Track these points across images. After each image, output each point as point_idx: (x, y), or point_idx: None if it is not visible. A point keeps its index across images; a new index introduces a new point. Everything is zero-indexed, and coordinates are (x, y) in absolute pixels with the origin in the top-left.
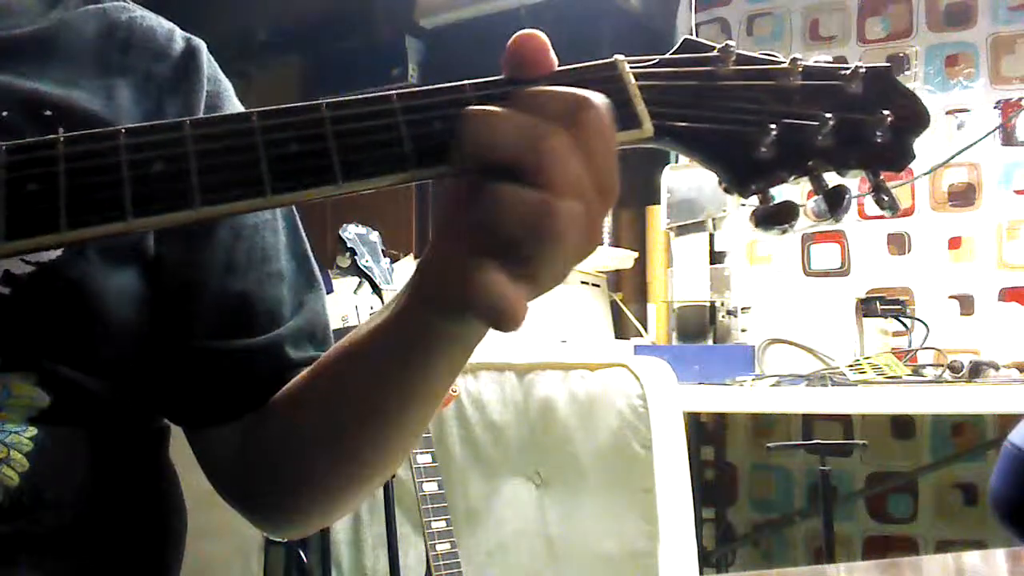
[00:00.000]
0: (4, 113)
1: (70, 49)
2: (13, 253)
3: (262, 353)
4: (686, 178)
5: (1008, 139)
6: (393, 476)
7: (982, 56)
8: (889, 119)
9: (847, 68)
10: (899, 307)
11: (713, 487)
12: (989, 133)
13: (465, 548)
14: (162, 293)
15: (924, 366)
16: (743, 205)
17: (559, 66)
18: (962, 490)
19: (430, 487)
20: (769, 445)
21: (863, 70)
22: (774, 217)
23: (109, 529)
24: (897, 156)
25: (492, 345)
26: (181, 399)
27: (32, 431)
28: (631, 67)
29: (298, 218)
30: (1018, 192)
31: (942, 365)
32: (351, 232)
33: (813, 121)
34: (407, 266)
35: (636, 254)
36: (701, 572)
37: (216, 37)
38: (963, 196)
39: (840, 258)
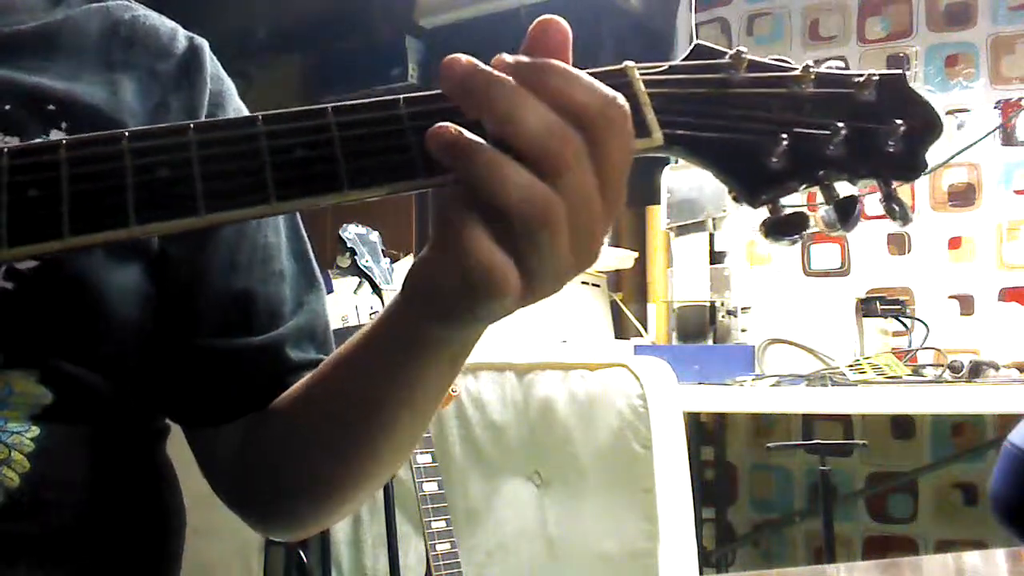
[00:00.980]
0: (7, 107)
1: (73, 46)
2: (14, 259)
3: (263, 352)
4: (686, 178)
5: (1008, 139)
6: (393, 476)
7: (982, 56)
8: (902, 128)
9: (860, 75)
10: (899, 307)
11: (713, 487)
12: (989, 133)
13: (465, 548)
14: (165, 290)
15: (924, 366)
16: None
17: None
18: (962, 490)
19: (430, 487)
20: (769, 445)
21: (876, 77)
22: (784, 227)
23: (109, 530)
24: (909, 166)
25: (492, 345)
26: (182, 397)
27: (34, 431)
28: (641, 73)
29: (299, 218)
30: (1018, 192)
31: (942, 365)
32: (351, 232)
33: (825, 130)
34: (407, 266)
35: (636, 254)
36: (701, 572)
37: (216, 37)
38: (963, 196)
39: (840, 258)
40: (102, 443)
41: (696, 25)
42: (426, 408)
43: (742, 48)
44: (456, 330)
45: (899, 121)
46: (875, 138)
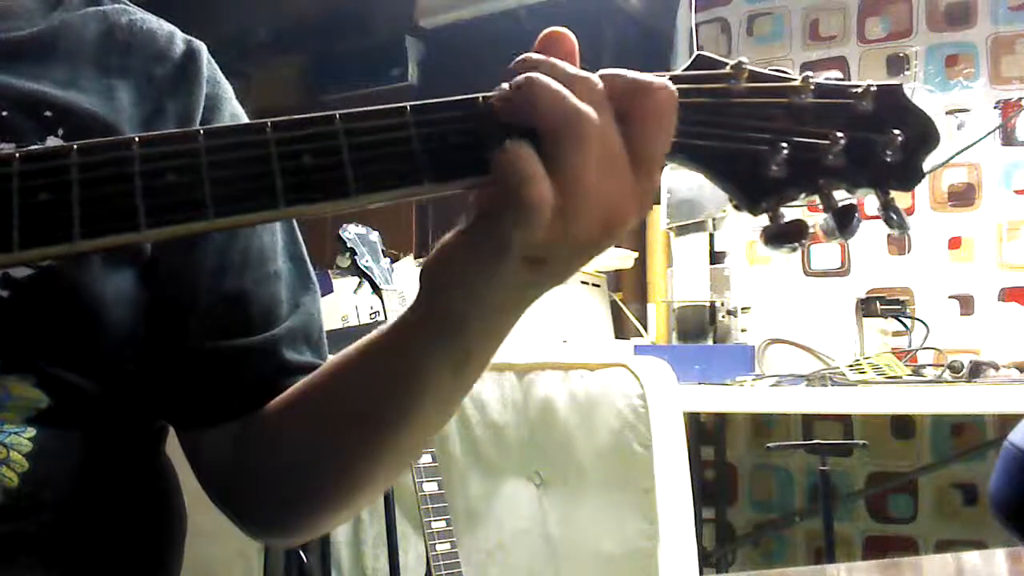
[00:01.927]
0: (4, 113)
1: (70, 51)
2: (26, 262)
3: (258, 353)
4: (686, 178)
5: (1008, 139)
6: None
7: (982, 56)
8: (900, 138)
9: (858, 86)
10: (899, 307)
11: (713, 487)
12: (989, 133)
13: (465, 548)
14: (158, 294)
15: (924, 366)
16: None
17: None
18: (962, 490)
19: (430, 487)
20: (769, 445)
21: (874, 88)
22: (784, 235)
23: (108, 530)
24: (907, 175)
25: None
26: (176, 399)
27: (31, 432)
28: None
29: (295, 220)
30: (1018, 192)
31: (942, 365)
32: (351, 232)
33: (824, 140)
34: (407, 266)
35: (636, 254)
36: (701, 572)
37: (216, 37)
38: (963, 196)
39: (840, 258)
40: (99, 445)
41: (696, 25)
42: (427, 420)
43: (743, 59)
44: (474, 304)
45: (897, 131)
46: (873, 147)
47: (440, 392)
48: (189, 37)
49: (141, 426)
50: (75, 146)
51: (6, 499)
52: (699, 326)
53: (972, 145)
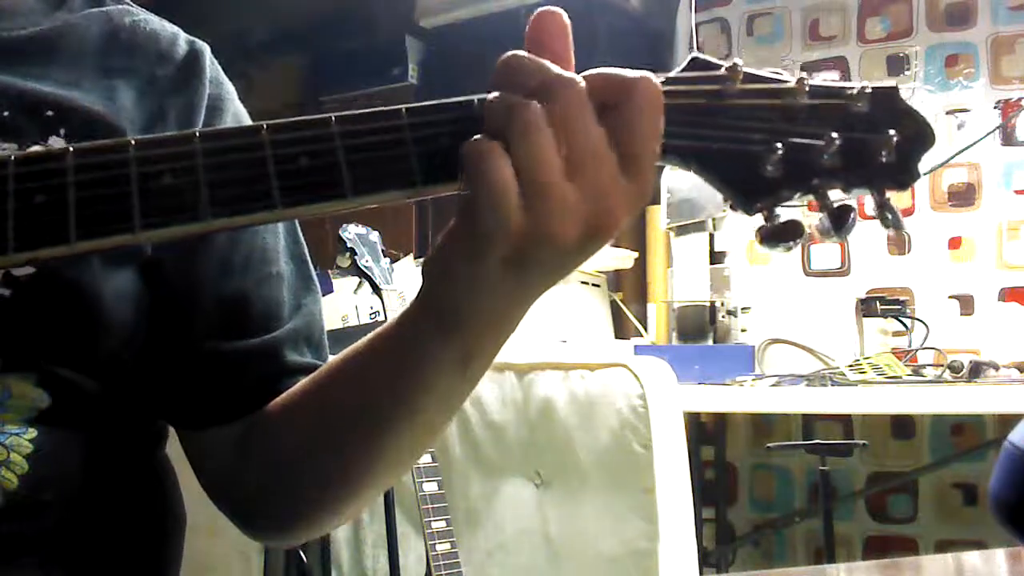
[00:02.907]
0: (5, 113)
1: (73, 51)
2: (19, 264)
3: (259, 354)
4: (686, 178)
5: (1008, 139)
6: None
7: (982, 56)
8: (895, 139)
9: (853, 87)
10: (899, 307)
11: (713, 487)
12: (989, 133)
13: (465, 548)
14: (160, 294)
15: (924, 366)
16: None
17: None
18: (962, 490)
19: (430, 487)
20: (769, 445)
21: (869, 89)
22: (779, 235)
23: (108, 530)
24: (902, 175)
25: None
26: (178, 400)
27: (32, 432)
28: None
29: (297, 221)
30: (1018, 192)
31: (942, 365)
32: (351, 232)
33: (819, 140)
34: (407, 266)
35: (636, 254)
36: (701, 572)
37: (216, 37)
38: (963, 196)
39: (840, 258)
40: (99, 445)
41: (696, 25)
42: (428, 421)
43: (738, 60)
44: (468, 305)
45: (892, 131)
46: (868, 148)
47: (441, 392)
48: (192, 38)
49: (141, 426)
50: (71, 148)
51: (6, 501)
52: (699, 326)
53: (972, 145)
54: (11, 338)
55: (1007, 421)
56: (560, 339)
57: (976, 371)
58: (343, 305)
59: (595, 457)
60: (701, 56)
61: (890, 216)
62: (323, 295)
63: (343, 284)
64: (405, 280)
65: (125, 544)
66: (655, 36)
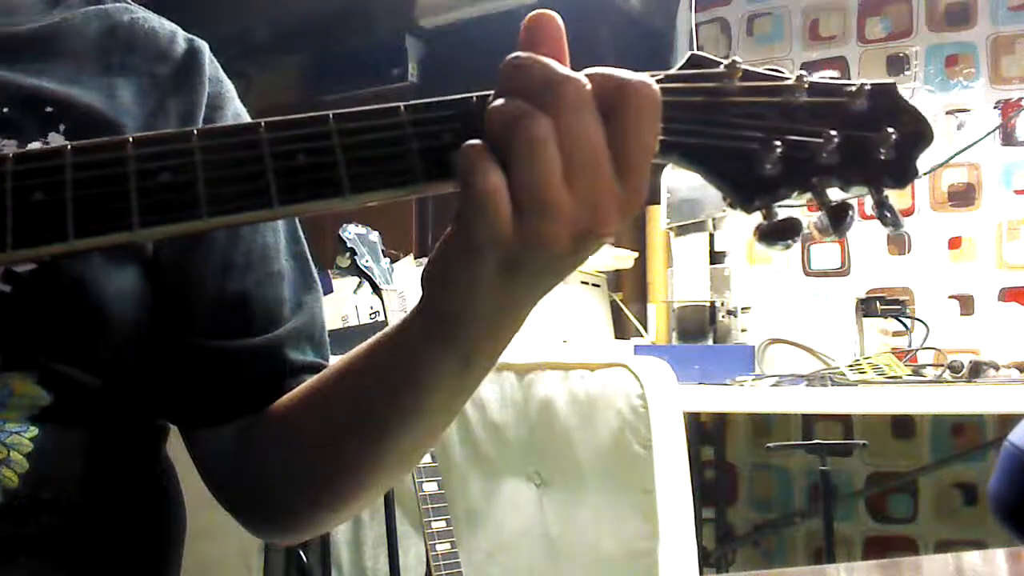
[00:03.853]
0: (5, 109)
1: (72, 48)
2: (17, 261)
3: (261, 353)
4: (686, 178)
5: (1008, 139)
6: None
7: (982, 56)
8: (894, 136)
9: (852, 85)
10: (899, 307)
11: (713, 487)
12: (989, 133)
13: (465, 548)
14: (161, 292)
15: (924, 366)
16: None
17: None
18: (962, 490)
19: (430, 487)
20: (769, 445)
21: (868, 87)
22: (778, 233)
23: (108, 530)
24: (901, 173)
25: None
26: (179, 398)
27: (33, 431)
28: None
29: (297, 219)
30: (1018, 192)
31: (942, 365)
32: (351, 232)
33: (818, 138)
34: (407, 266)
35: (636, 254)
36: (701, 572)
37: (216, 37)
38: (963, 196)
39: (840, 258)
40: (100, 444)
41: (696, 25)
42: (429, 422)
43: (737, 58)
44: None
45: (891, 129)
46: (867, 146)
47: (442, 393)
48: (191, 36)
49: (143, 425)
50: (69, 146)
51: (6, 499)
52: (699, 326)
53: (972, 145)
54: (12, 335)
55: (1007, 421)
56: (560, 339)
57: (976, 371)
58: (343, 305)
59: (595, 457)
60: (700, 54)
61: (889, 215)
62: (323, 295)
63: (343, 284)
64: (405, 280)
65: (126, 543)
66: (655, 36)
